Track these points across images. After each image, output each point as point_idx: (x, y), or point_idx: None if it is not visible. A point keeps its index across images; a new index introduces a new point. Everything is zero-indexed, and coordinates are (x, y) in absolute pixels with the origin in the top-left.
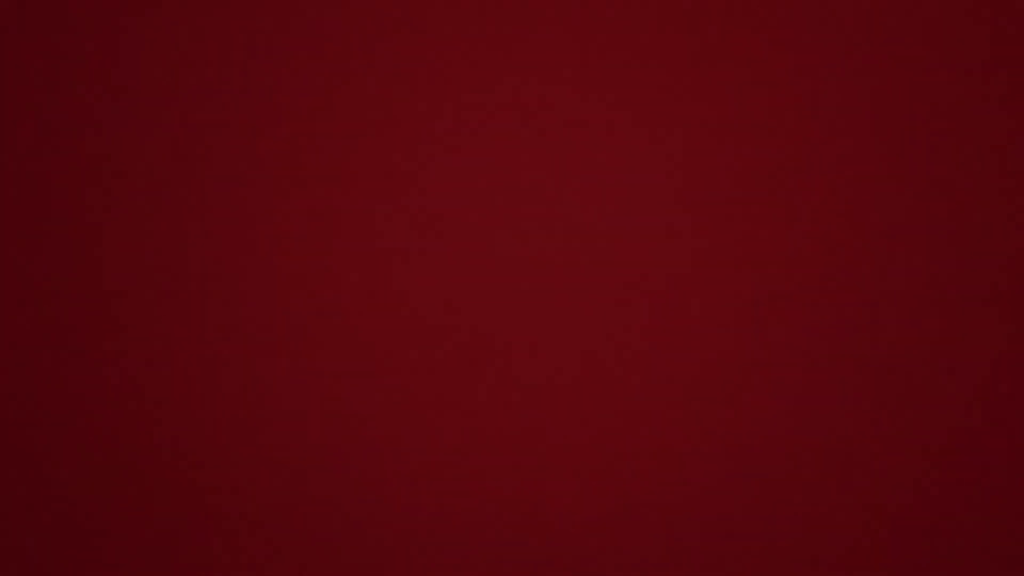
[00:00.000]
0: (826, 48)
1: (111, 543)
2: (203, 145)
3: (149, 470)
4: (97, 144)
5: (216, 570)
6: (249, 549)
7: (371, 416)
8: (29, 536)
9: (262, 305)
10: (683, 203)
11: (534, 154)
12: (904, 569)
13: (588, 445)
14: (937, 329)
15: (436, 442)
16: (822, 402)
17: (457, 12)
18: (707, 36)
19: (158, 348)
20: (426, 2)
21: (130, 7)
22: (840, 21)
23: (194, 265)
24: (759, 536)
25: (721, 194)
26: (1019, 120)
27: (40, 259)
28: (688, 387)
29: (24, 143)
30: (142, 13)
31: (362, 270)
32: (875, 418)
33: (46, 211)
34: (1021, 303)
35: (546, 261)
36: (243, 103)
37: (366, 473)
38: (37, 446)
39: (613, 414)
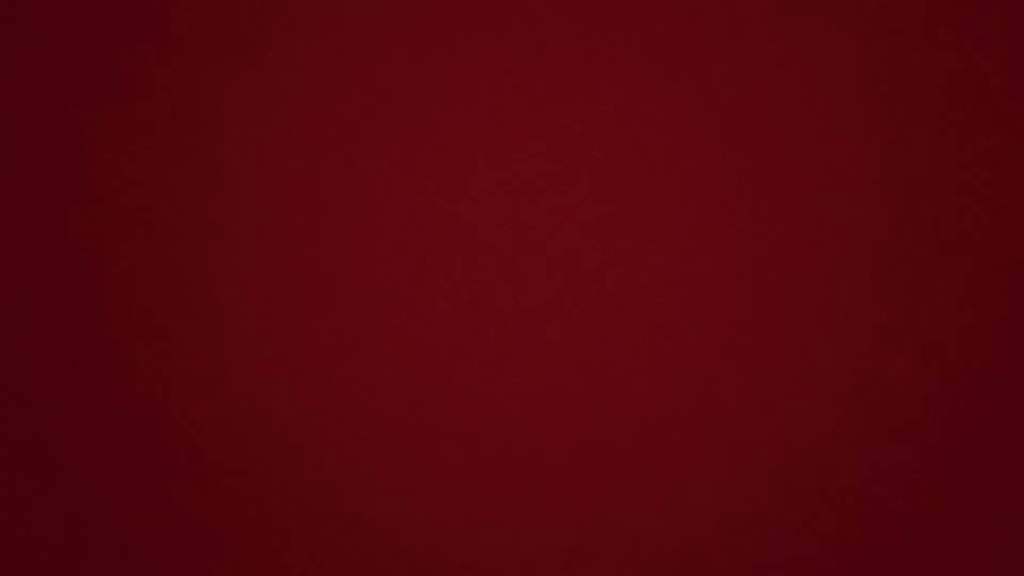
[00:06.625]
0: (823, 51)
1: (116, 542)
2: (206, 146)
3: (153, 470)
4: (100, 143)
5: (217, 566)
6: (253, 547)
7: (373, 415)
8: (32, 536)
9: (264, 305)
10: (680, 203)
11: (533, 155)
12: (898, 565)
13: (587, 443)
14: (932, 329)
15: (436, 441)
16: (817, 401)
17: (458, 14)
18: (705, 40)
19: (163, 347)
20: (428, 4)
21: (133, 8)
22: (837, 25)
23: (198, 265)
24: (755, 534)
25: (717, 195)
26: (1017, 121)
27: (42, 258)
28: (686, 387)
29: (27, 144)
30: (145, 14)
31: (364, 270)
32: (872, 417)
33: (47, 211)
34: (1019, 303)
35: (546, 261)
36: (248, 103)
37: (367, 471)
38: (40, 445)
39: (611, 413)
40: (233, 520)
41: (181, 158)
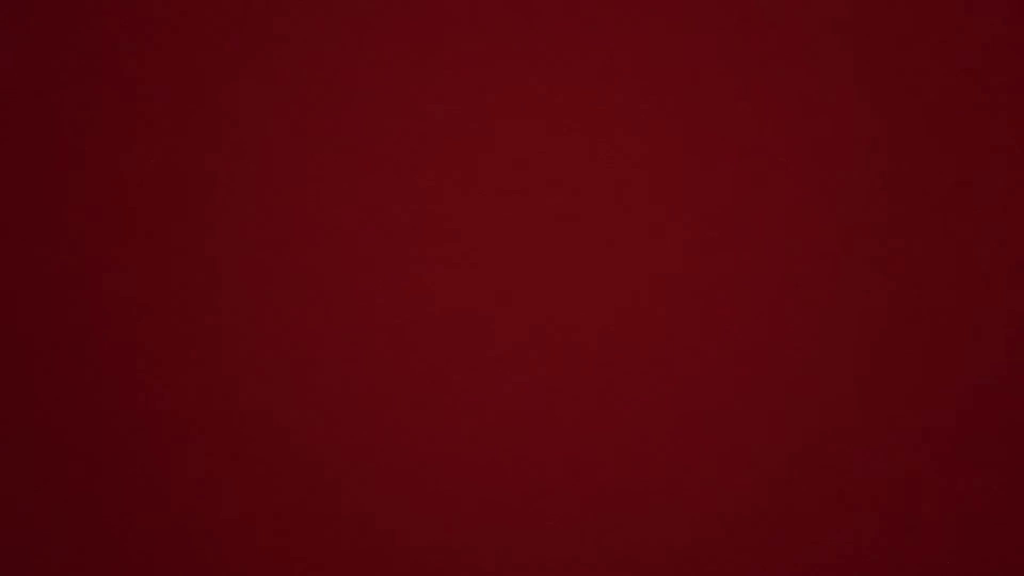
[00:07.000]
0: (821, 51)
1: (115, 542)
2: (206, 146)
3: (153, 470)
4: (100, 143)
5: (218, 566)
6: (253, 547)
7: (372, 415)
8: (32, 536)
9: (264, 305)
10: (680, 203)
11: (533, 155)
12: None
13: (587, 444)
14: (934, 329)
15: (436, 441)
16: (815, 399)
17: (461, 13)
18: (705, 40)
19: (162, 347)
20: (431, 3)
21: (133, 7)
22: (837, 23)
23: (197, 265)
24: (756, 534)
25: (717, 195)
26: (1016, 122)
27: (42, 258)
28: (687, 387)
29: (27, 144)
30: (145, 14)
31: (364, 270)
32: (873, 417)
33: (47, 211)
34: (1017, 303)
35: (547, 259)
36: (248, 103)
37: (366, 471)
38: (40, 445)
39: (612, 413)
40: (233, 520)
41: (181, 158)
